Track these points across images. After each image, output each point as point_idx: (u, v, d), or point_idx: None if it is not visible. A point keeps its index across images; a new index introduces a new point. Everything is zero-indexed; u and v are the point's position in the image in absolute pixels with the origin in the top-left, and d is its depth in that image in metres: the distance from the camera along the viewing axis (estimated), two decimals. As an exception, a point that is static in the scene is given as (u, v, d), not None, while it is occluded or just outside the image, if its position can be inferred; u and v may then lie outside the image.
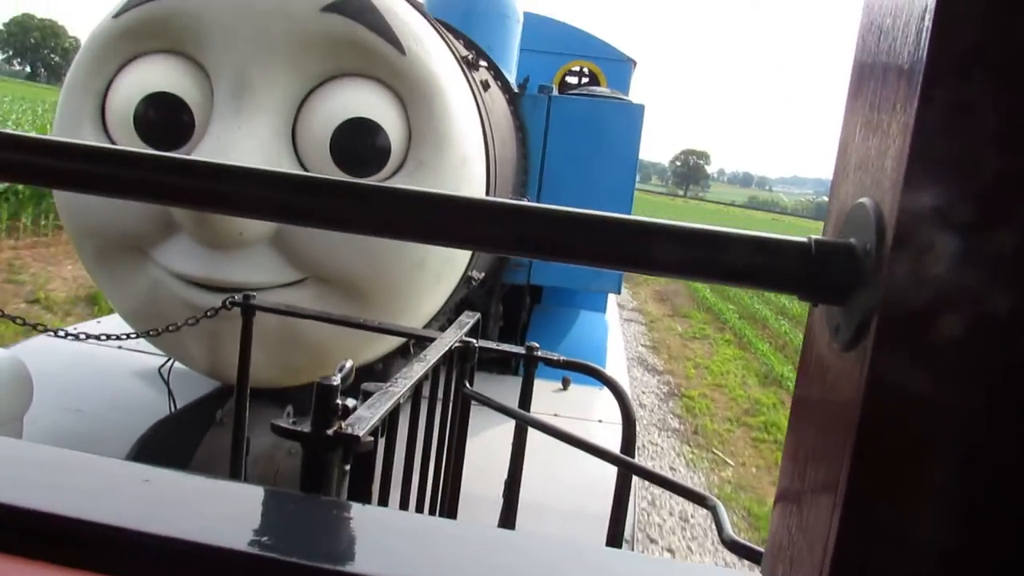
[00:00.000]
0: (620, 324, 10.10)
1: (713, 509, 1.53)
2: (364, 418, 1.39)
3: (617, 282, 4.84)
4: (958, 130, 0.49)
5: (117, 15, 2.71)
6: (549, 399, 4.02)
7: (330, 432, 1.33)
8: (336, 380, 1.38)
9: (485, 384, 3.62)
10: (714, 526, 1.50)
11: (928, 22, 0.50)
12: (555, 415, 3.87)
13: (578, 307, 5.72)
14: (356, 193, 0.72)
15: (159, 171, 0.76)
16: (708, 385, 11.91)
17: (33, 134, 0.78)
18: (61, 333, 2.72)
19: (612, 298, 7.03)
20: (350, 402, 1.41)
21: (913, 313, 0.50)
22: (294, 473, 2.91)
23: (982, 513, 0.50)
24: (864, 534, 0.52)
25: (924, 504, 0.51)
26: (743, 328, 17.05)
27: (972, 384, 0.50)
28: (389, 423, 1.59)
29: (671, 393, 11.05)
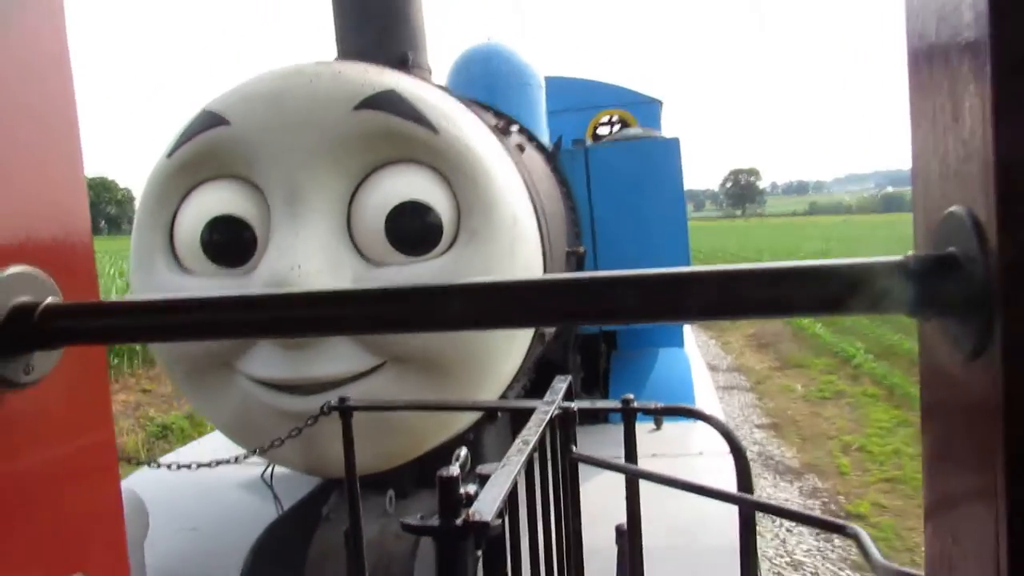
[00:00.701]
0: (717, 391, 8.42)
1: (855, 537, 1.46)
2: (488, 502, 1.41)
3: None
4: None
5: (170, 154, 2.90)
6: (644, 440, 3.95)
7: (459, 522, 1.35)
8: (455, 470, 1.41)
9: (579, 438, 3.61)
10: (860, 555, 1.42)
11: None
12: (653, 455, 3.81)
13: (656, 345, 5.67)
14: (398, 298, 0.78)
15: (252, 309, 0.81)
16: (879, 485, 7.63)
17: (136, 297, 0.86)
18: (175, 466, 2.85)
19: (689, 329, 6.93)
20: (471, 488, 1.44)
21: None
22: (404, 556, 2.93)
23: None
24: None
25: None
26: (884, 372, 12.33)
27: None
28: (510, 503, 1.61)
29: (827, 510, 7.02)
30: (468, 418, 3.11)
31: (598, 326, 4.70)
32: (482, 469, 1.60)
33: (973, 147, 0.52)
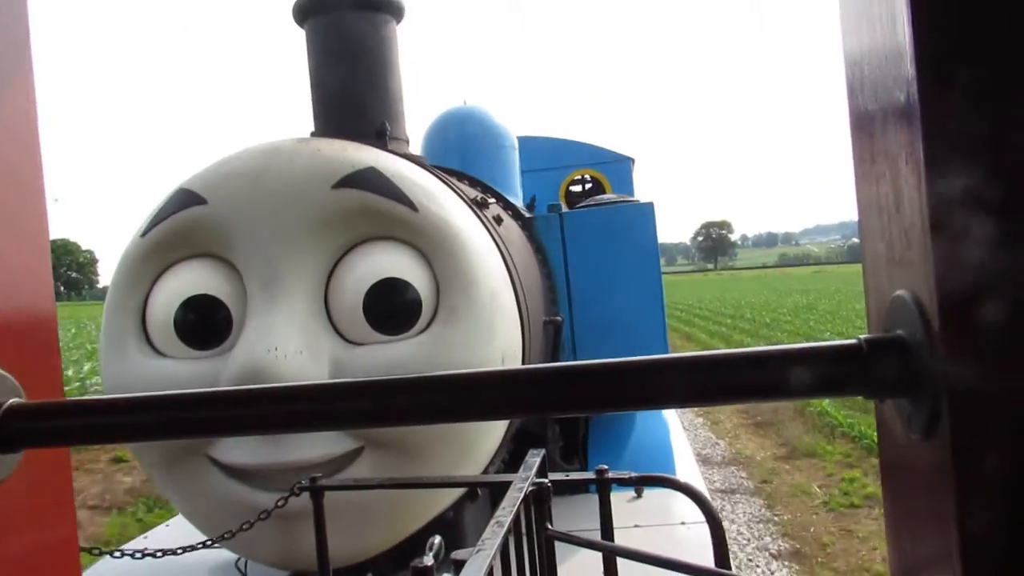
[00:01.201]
0: (714, 494, 7.84)
1: None
2: None
3: None
4: (974, 201, 0.51)
5: (144, 233, 2.87)
6: (624, 509, 3.91)
7: None
8: (429, 560, 1.38)
9: (557, 509, 3.55)
10: None
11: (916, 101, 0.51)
12: (635, 525, 3.76)
13: (634, 412, 5.65)
14: (357, 392, 0.75)
15: (224, 406, 0.79)
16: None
17: (96, 397, 0.84)
18: (138, 555, 2.75)
19: None
20: None
21: (979, 390, 0.51)
22: None
23: None
24: None
25: None
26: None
27: None
28: None
29: None
30: (447, 499, 3.05)
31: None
32: (457, 555, 1.57)
33: (914, 236, 0.54)
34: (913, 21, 0.52)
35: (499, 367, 2.92)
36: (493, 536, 1.64)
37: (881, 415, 0.68)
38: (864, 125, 0.64)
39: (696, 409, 17.19)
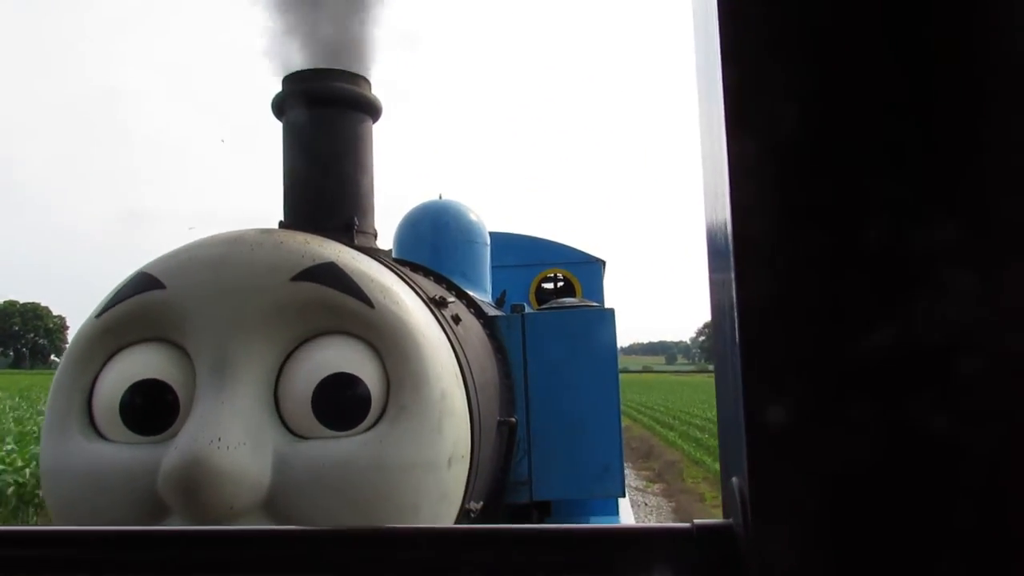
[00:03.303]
0: None
1: None
2: None
3: (620, 485, 4.78)
4: (783, 394, 0.53)
5: (99, 314, 2.88)
6: None
7: None
8: None
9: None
10: None
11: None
12: None
13: (590, 514, 5.59)
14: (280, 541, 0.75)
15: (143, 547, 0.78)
16: None
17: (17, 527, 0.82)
18: None
19: (625, 502, 6.87)
20: None
21: None
22: None
23: None
24: None
25: None
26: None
27: None
28: None
29: None
30: None
31: (528, 497, 4.64)
32: None
33: (739, 430, 0.55)
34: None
35: (444, 471, 2.92)
36: None
37: None
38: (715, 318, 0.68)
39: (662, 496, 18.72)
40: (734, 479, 0.59)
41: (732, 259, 0.55)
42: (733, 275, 0.55)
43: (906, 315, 0.51)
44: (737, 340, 0.54)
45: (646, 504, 17.66)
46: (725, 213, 0.56)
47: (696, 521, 0.63)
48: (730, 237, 0.55)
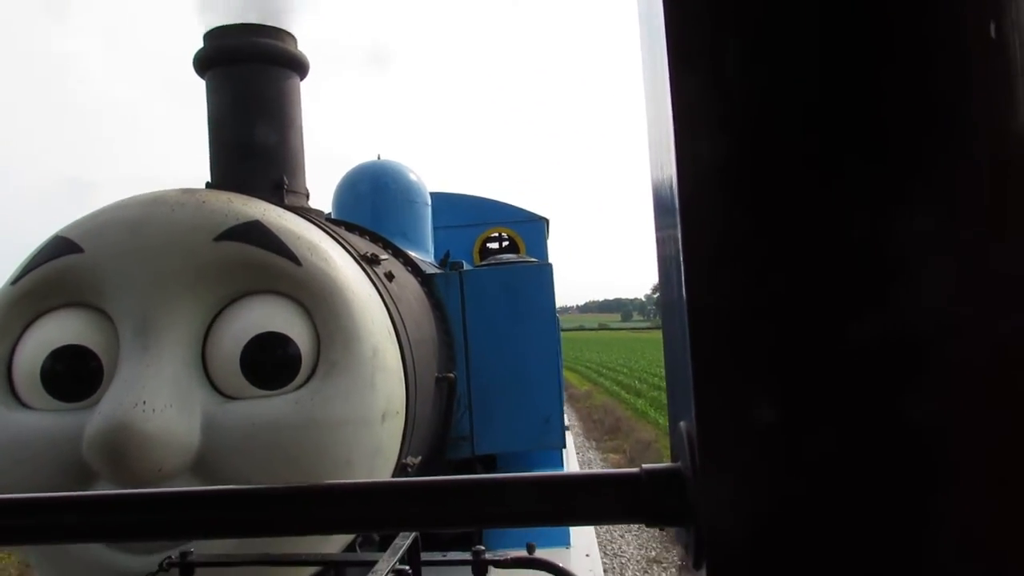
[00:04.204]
0: None
1: None
2: None
3: (561, 436, 4.85)
4: (728, 337, 0.52)
5: (15, 281, 2.79)
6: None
7: None
8: None
9: (442, 570, 3.51)
10: None
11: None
12: None
13: (534, 467, 5.67)
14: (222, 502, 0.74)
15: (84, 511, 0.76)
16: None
17: None
18: None
19: (570, 452, 6.95)
20: None
21: (734, 526, 0.52)
22: None
23: None
24: None
25: None
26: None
27: None
28: None
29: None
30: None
31: (471, 451, 4.69)
32: None
33: (687, 372, 0.55)
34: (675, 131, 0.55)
35: (378, 426, 2.93)
36: None
37: (676, 539, 0.69)
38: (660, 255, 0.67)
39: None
40: (682, 423, 0.59)
41: (678, 214, 0.55)
42: (679, 230, 0.55)
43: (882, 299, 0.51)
44: (684, 294, 0.54)
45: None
46: (671, 168, 0.56)
47: (645, 466, 0.63)
48: (675, 190, 0.55)
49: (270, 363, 2.76)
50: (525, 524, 0.70)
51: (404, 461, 3.38)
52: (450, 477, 0.70)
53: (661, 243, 0.67)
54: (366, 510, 0.72)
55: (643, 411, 23.73)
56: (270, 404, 2.72)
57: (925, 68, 0.51)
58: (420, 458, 3.68)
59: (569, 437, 7.37)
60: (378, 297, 3.20)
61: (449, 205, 8.10)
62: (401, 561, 2.10)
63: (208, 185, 3.70)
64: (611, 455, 17.05)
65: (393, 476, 3.33)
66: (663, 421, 19.50)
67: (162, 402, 2.54)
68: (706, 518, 0.53)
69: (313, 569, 2.98)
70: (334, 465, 2.78)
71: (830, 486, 0.51)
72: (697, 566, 0.56)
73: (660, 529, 0.68)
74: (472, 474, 4.99)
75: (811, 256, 0.52)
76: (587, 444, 18.83)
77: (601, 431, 20.91)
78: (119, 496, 0.78)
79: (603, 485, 0.65)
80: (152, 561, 2.50)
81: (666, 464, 0.63)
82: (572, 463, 7.16)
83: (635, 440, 18.50)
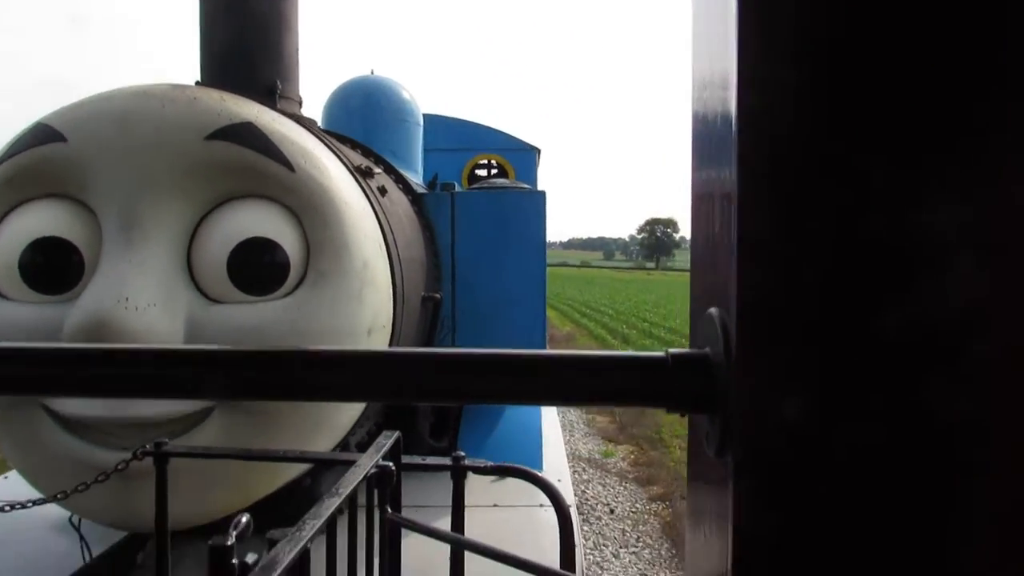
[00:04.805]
0: None
1: None
2: (266, 574, 1.33)
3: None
4: (784, 226, 0.51)
5: None
6: (487, 490, 3.95)
7: None
8: (231, 539, 1.33)
9: (423, 484, 3.55)
10: None
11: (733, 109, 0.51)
12: (494, 505, 3.80)
13: None
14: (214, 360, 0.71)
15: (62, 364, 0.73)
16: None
17: None
18: None
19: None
20: (250, 557, 1.35)
21: (763, 419, 0.51)
22: None
23: None
24: None
25: None
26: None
27: (827, 487, 0.51)
28: (301, 570, 1.53)
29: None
30: (302, 465, 3.01)
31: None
32: (272, 534, 1.51)
33: (727, 258, 0.54)
34: (739, 48, 0.52)
35: (364, 340, 2.90)
36: (315, 518, 1.60)
37: (692, 426, 0.69)
38: (700, 150, 0.64)
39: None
40: (713, 310, 0.58)
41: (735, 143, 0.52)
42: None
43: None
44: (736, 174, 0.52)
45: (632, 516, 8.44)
46: (729, 99, 0.53)
47: (670, 350, 0.62)
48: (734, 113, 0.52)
49: (257, 269, 2.70)
50: (545, 401, 0.70)
51: (387, 377, 3.37)
52: (472, 349, 0.68)
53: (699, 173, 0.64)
54: (382, 378, 0.69)
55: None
56: (255, 310, 2.68)
57: (964, 68, 0.50)
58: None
59: None
60: (371, 210, 3.13)
61: (440, 128, 7.96)
62: (384, 459, 2.10)
63: (197, 84, 3.57)
64: (600, 426, 13.27)
65: None
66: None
67: (145, 300, 2.49)
68: (738, 405, 0.52)
69: (295, 472, 2.99)
70: None
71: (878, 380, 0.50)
72: (720, 454, 0.56)
73: (681, 415, 0.65)
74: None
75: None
76: (575, 420, 14.09)
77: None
78: (104, 350, 0.74)
79: (627, 367, 0.64)
80: (120, 444, 2.49)
81: (691, 350, 0.62)
82: (551, 420, 7.23)
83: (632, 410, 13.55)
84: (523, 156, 8.47)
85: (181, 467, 2.52)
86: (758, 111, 0.52)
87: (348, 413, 3.09)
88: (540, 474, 2.56)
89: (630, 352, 0.65)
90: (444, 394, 0.70)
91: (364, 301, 2.87)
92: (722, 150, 0.56)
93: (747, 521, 0.52)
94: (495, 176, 8.27)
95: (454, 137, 8.25)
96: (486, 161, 8.53)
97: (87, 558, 2.88)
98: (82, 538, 2.91)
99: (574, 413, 12.83)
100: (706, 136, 0.61)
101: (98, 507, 2.71)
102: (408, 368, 0.68)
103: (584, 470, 10.26)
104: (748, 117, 0.52)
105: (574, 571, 2.28)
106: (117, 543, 3.03)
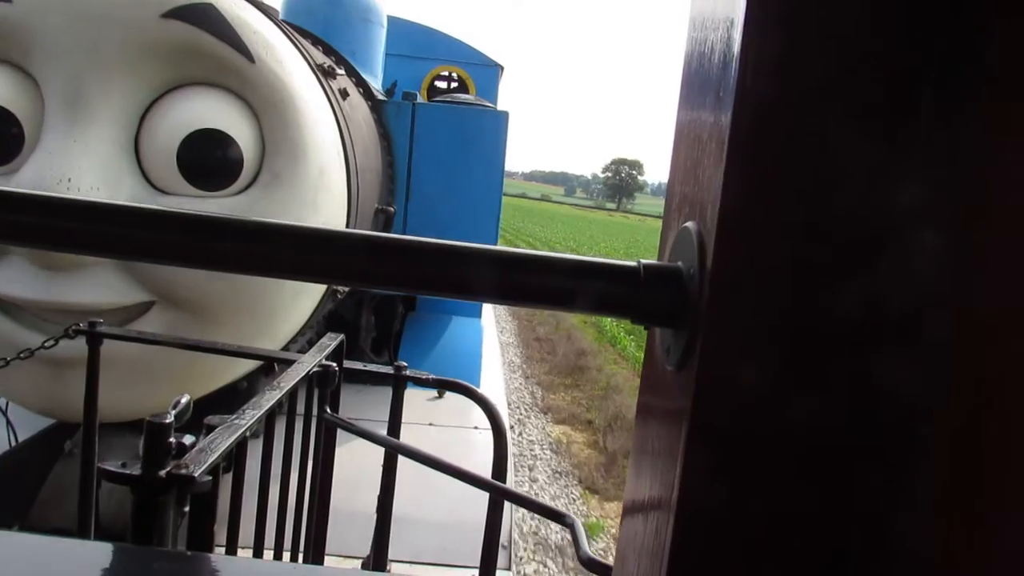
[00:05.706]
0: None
1: (571, 527, 1.54)
2: (201, 456, 1.30)
3: None
4: (771, 149, 0.50)
5: None
6: (424, 408, 3.98)
7: (162, 474, 1.24)
8: (169, 417, 1.29)
9: (361, 397, 3.54)
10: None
11: (737, 34, 0.50)
12: (430, 424, 3.84)
13: (453, 313, 5.70)
14: (170, 222, 0.66)
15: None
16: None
17: None
18: None
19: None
20: (187, 439, 1.32)
21: (731, 335, 0.51)
22: None
23: (811, 514, 0.51)
24: (695, 539, 0.53)
25: (749, 508, 0.52)
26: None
27: (790, 403, 0.50)
28: (237, 459, 1.51)
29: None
30: (240, 368, 2.96)
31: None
32: (210, 420, 1.49)
33: (711, 172, 0.53)
34: None
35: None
36: (255, 408, 1.58)
37: (650, 342, 0.68)
38: (693, 61, 0.61)
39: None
40: (690, 224, 0.56)
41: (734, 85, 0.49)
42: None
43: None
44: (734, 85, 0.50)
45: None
46: (734, 41, 0.51)
47: (643, 261, 0.61)
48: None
49: (209, 162, 2.59)
50: (505, 300, 0.67)
51: (333, 288, 3.31)
52: (430, 240, 0.65)
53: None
54: (336, 260, 0.66)
55: (606, 329, 16.16)
56: (204, 205, 2.58)
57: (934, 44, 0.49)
58: (348, 288, 3.62)
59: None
60: (331, 114, 3.01)
61: (401, 32, 7.66)
62: (327, 359, 2.08)
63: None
64: (562, 405, 10.28)
65: (322, 302, 3.27)
66: (632, 349, 14.46)
67: (88, 183, 2.36)
68: (707, 319, 0.51)
69: (233, 374, 2.94)
70: (264, 281, 2.69)
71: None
72: (680, 367, 0.55)
73: (645, 328, 0.65)
74: (393, 311, 4.99)
75: None
76: (535, 400, 10.58)
77: (558, 371, 12.36)
78: (48, 199, 0.68)
79: (596, 273, 0.62)
80: (54, 329, 2.40)
81: (663, 262, 0.61)
82: (488, 312, 7.22)
83: (603, 383, 11.32)
84: (486, 72, 8.26)
85: (117, 358, 2.44)
86: (765, 53, 0.50)
87: (293, 320, 3.03)
88: (478, 390, 2.57)
89: (600, 258, 0.63)
90: (391, 279, 0.67)
91: (319, 208, 2.79)
92: (720, 90, 0.54)
93: (691, 457, 0.52)
94: (455, 90, 8.05)
95: (415, 44, 7.97)
96: (447, 73, 8.29)
97: (12, 442, 2.81)
98: (9, 423, 2.82)
99: (535, 432, 9.08)
100: (701, 75, 0.59)
101: (25, 389, 2.63)
102: (360, 251, 0.65)
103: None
104: (753, 59, 0.50)
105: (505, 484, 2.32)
106: (45, 428, 2.96)
